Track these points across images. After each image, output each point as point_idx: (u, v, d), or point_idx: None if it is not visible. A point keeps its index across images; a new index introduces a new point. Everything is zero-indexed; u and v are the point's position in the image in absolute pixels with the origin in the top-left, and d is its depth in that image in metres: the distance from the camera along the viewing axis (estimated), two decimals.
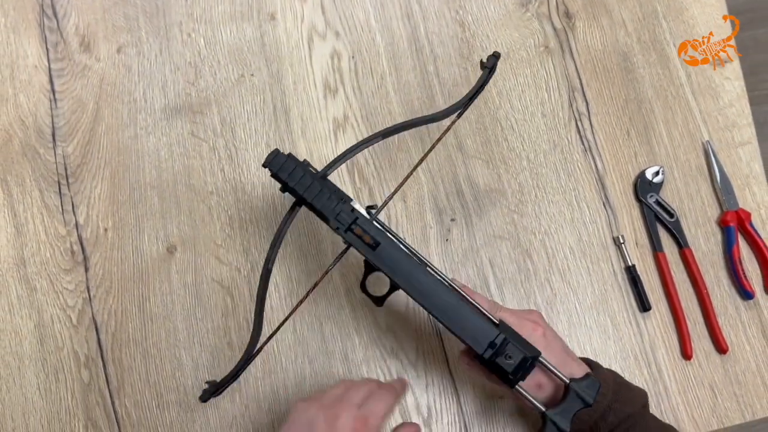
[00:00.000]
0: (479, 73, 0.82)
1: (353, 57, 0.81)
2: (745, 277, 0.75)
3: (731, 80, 0.82)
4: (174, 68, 0.80)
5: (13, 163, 0.77)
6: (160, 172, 0.77)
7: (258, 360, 0.72)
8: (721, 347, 0.74)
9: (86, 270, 0.74)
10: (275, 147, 0.78)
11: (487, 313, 0.59)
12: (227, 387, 0.60)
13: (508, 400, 0.72)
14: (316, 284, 0.61)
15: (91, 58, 0.80)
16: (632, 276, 0.75)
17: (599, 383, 0.58)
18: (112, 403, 0.71)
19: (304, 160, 0.61)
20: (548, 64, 0.82)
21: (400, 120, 0.79)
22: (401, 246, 0.59)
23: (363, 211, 0.59)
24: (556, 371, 0.58)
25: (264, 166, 0.59)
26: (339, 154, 0.61)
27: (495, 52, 0.68)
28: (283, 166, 0.58)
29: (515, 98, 0.80)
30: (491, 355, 0.57)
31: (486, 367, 0.58)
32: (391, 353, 0.73)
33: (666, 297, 0.75)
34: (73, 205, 0.76)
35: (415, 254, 0.60)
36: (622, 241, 0.76)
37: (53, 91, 0.79)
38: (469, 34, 0.82)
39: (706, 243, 0.77)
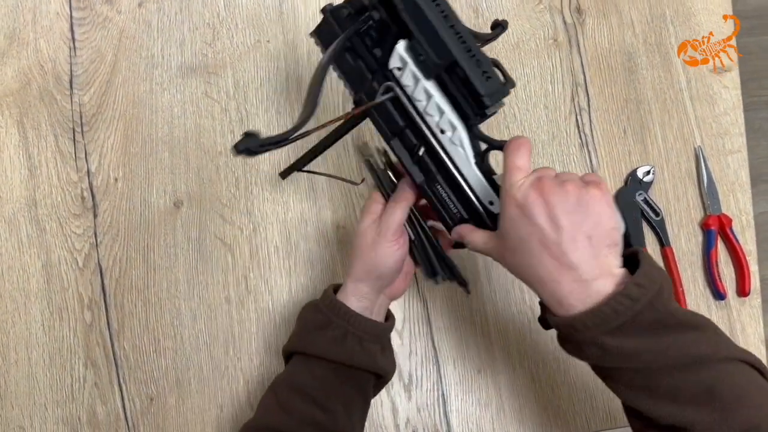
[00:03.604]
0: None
1: None
2: (720, 279, 0.79)
3: (729, 89, 0.84)
4: (193, 27, 0.82)
5: (30, 106, 0.79)
6: (172, 128, 0.80)
7: (253, 316, 0.76)
8: None
9: (95, 216, 0.77)
10: (285, 114, 0.80)
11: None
12: (268, 149, 0.50)
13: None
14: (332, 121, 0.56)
15: (113, 10, 0.82)
16: None
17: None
18: (112, 344, 0.75)
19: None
20: (555, 57, 0.84)
21: None
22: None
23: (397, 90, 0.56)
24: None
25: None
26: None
27: (502, 20, 0.60)
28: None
29: (520, 87, 0.83)
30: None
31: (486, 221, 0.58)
32: None
33: None
34: (86, 152, 0.79)
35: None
36: None
37: (73, 40, 0.81)
38: (482, 20, 0.84)
39: (686, 243, 0.81)
